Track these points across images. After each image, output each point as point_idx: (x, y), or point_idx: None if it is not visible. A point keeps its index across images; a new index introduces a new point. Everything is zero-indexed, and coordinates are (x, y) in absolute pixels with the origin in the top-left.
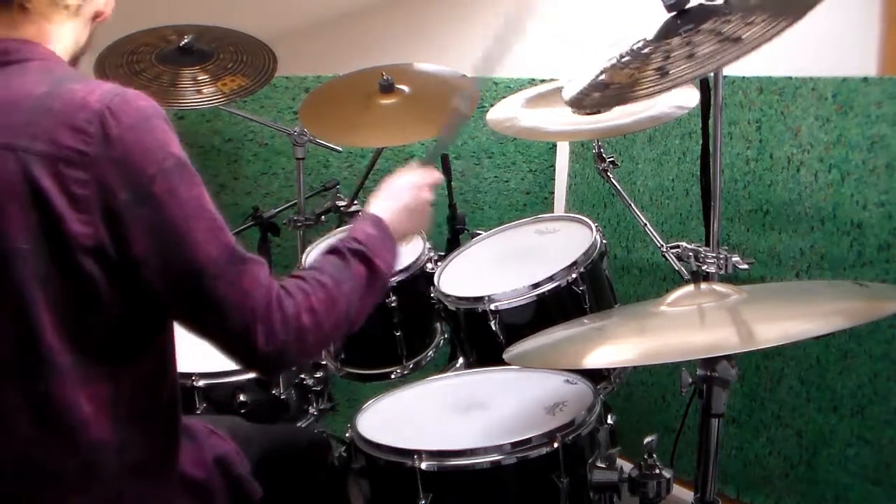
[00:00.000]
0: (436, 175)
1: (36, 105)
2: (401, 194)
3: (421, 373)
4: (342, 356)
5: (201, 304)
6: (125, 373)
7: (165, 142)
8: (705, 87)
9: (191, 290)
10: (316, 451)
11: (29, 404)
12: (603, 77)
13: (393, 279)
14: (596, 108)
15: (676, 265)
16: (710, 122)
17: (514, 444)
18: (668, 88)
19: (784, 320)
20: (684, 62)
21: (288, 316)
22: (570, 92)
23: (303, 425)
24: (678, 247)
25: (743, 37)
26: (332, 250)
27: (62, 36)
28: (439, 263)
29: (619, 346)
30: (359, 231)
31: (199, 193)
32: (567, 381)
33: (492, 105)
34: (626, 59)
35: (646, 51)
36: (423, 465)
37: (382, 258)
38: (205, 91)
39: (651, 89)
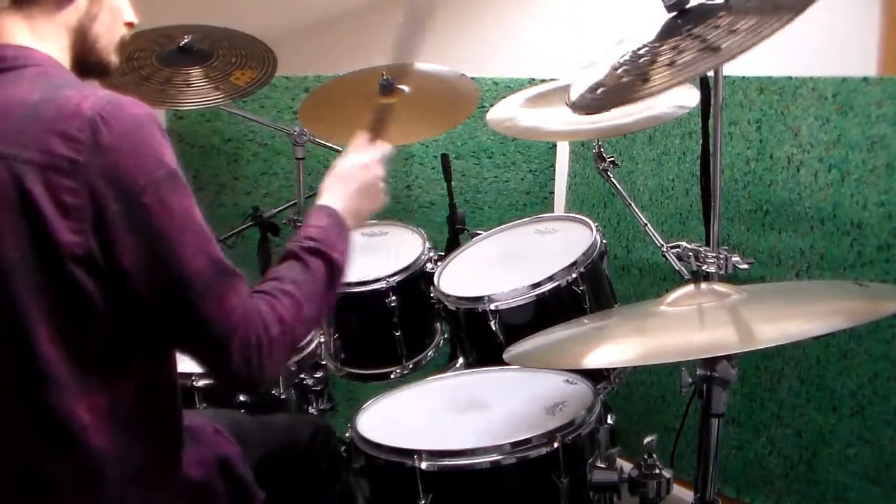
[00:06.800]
0: (383, 148)
1: (28, 113)
2: (350, 176)
3: (421, 373)
4: (342, 356)
5: (186, 317)
6: (123, 381)
7: (159, 151)
8: (705, 87)
9: (177, 303)
10: (319, 439)
11: (27, 415)
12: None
13: (393, 279)
14: (588, 111)
15: (676, 265)
16: (710, 121)
17: (514, 444)
18: (649, 96)
19: (784, 320)
20: (665, 69)
21: (260, 333)
22: (572, 93)
23: None
24: (678, 247)
25: (722, 47)
26: (288, 255)
27: (53, 35)
28: (439, 263)
29: (619, 346)
30: (311, 227)
31: (189, 204)
32: (567, 381)
33: (492, 105)
34: (624, 59)
35: (642, 52)
36: (423, 465)
37: (338, 250)
38: (205, 91)
39: (634, 95)
